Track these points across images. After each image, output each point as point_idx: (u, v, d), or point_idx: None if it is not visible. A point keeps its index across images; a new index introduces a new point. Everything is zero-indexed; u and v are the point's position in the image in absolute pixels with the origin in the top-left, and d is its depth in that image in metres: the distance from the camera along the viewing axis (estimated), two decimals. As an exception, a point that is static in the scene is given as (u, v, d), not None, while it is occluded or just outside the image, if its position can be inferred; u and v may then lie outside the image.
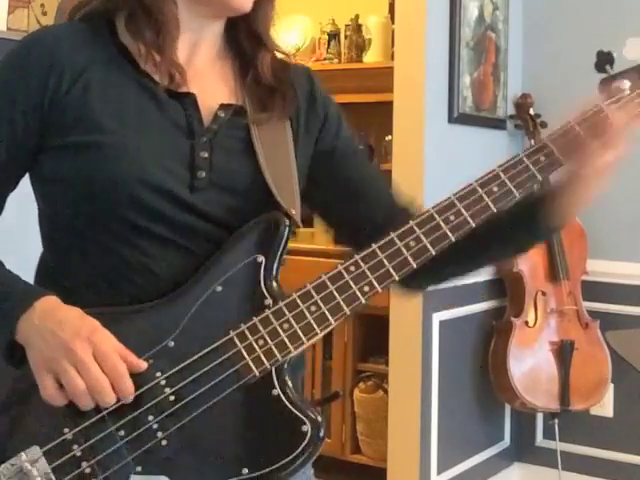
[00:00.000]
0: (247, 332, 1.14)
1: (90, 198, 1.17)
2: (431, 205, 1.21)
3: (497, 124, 3.57)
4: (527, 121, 3.53)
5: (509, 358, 3.29)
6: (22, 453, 1.10)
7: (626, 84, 1.28)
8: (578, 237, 3.47)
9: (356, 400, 3.79)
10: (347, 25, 4.34)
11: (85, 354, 1.08)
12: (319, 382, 3.90)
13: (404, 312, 3.24)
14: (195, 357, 1.13)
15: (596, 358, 3.37)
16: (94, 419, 1.11)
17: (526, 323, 3.35)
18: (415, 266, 1.18)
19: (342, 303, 1.15)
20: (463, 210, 1.20)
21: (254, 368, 1.13)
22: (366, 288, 1.16)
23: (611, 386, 3.43)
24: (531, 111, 3.53)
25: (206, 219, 1.19)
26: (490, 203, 1.21)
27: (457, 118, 3.30)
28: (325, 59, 4.39)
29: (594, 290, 3.46)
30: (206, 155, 1.20)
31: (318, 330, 1.15)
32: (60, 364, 1.08)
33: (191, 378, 1.12)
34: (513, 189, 1.21)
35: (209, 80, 1.27)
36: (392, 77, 3.27)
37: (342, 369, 3.84)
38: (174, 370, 1.12)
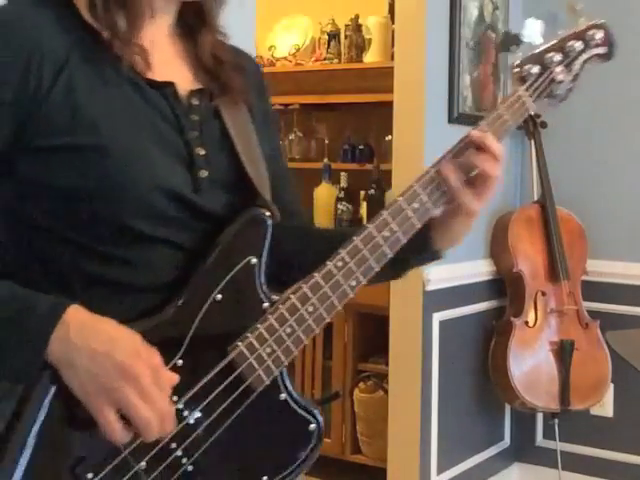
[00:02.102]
0: (255, 342, 1.12)
1: (89, 206, 1.08)
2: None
3: (497, 124, 3.56)
4: (527, 121, 3.52)
5: (509, 358, 3.29)
6: None
7: (535, 69, 1.33)
8: (578, 237, 3.47)
9: (356, 400, 3.78)
10: (347, 25, 4.33)
11: (149, 382, 1.01)
12: (319, 382, 3.90)
13: (404, 312, 3.23)
14: (208, 378, 1.10)
15: (596, 358, 3.36)
16: (121, 457, 1.05)
17: (526, 323, 3.35)
18: (391, 255, 1.19)
19: (335, 301, 1.16)
20: (427, 198, 1.21)
21: (265, 378, 1.12)
22: (353, 283, 1.17)
23: (611, 386, 3.42)
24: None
25: (206, 218, 1.15)
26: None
27: (457, 118, 3.30)
28: (325, 59, 4.38)
29: (594, 290, 3.45)
30: (203, 152, 1.15)
31: (317, 330, 1.16)
32: (125, 394, 1.00)
33: (208, 400, 1.10)
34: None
35: (174, 63, 1.21)
36: (392, 77, 3.27)
37: (342, 369, 3.83)
38: (190, 394, 1.08)
